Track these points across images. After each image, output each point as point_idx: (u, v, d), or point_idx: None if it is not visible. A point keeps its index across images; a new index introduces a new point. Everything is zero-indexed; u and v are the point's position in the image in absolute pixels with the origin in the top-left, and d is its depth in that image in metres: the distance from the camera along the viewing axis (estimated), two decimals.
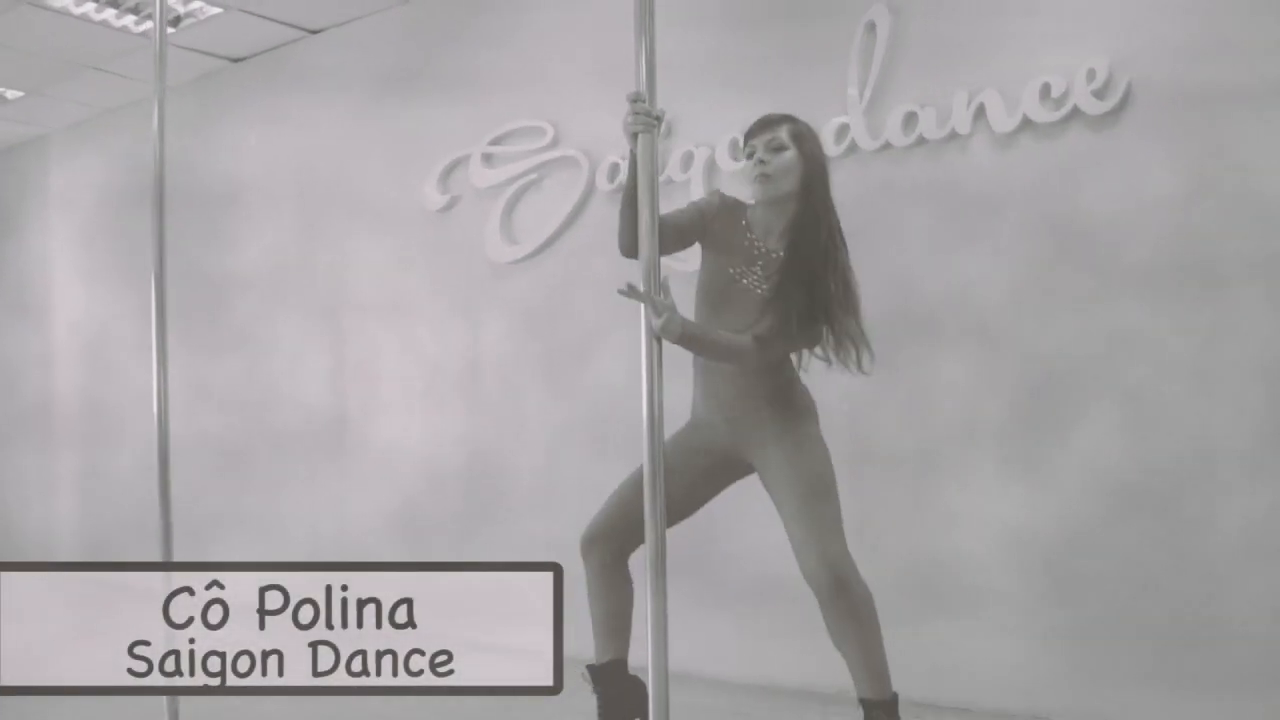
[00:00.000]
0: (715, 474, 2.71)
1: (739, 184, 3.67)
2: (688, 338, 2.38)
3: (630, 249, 2.36)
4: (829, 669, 2.81)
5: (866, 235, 3.56)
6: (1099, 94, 3.14)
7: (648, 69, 2.27)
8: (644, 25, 2.26)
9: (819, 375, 3.64)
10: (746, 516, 3.71)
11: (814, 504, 2.51)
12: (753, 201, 2.55)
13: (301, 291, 5.17)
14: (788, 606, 3.65)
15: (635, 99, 2.25)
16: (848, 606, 2.45)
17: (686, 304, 2.53)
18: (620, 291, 2.29)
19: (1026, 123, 3.26)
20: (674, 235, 2.47)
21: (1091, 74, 3.14)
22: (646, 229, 2.25)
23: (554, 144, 4.25)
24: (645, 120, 2.24)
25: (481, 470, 4.66)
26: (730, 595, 3.89)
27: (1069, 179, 3.29)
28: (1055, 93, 3.19)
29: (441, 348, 4.71)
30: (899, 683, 2.59)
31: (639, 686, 2.52)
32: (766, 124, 2.52)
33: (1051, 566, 3.43)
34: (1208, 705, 3.11)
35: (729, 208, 2.57)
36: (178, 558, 5.11)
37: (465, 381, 4.69)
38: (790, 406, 2.59)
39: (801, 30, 3.67)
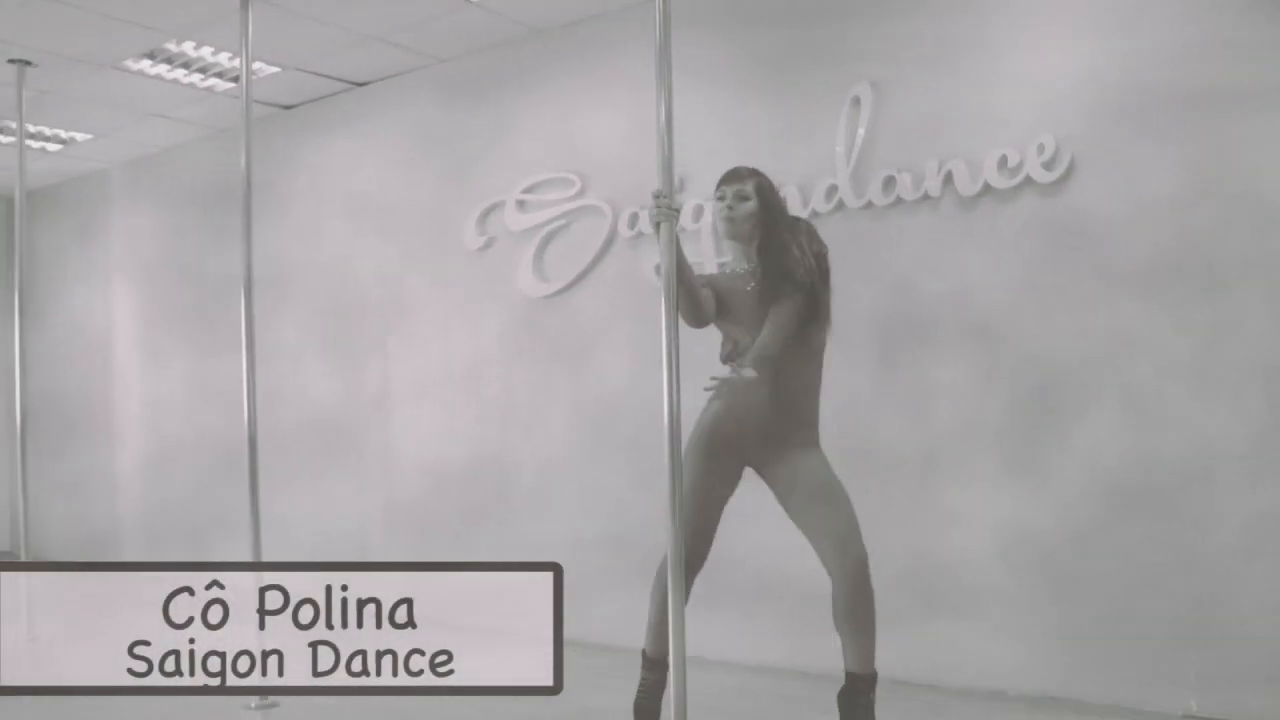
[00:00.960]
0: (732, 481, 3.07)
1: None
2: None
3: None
4: (815, 653, 3.06)
5: (867, 239, 3.87)
6: (1047, 165, 3.65)
7: (667, 134, 2.76)
8: (662, 93, 2.77)
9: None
10: (748, 522, 3.80)
11: (842, 504, 2.94)
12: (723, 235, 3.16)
13: (331, 306, 5.72)
14: (783, 602, 3.95)
15: (658, 195, 2.74)
16: (864, 594, 2.86)
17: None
18: None
19: (987, 188, 3.74)
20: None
21: (1041, 148, 3.65)
22: (671, 304, 2.70)
23: (581, 193, 4.77)
24: (666, 213, 2.75)
25: (481, 470, 5.02)
26: (734, 592, 4.01)
27: (1023, 238, 3.64)
28: (1011, 163, 3.71)
29: (449, 354, 5.17)
30: (898, 682, 2.84)
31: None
32: (735, 177, 3.03)
33: (1051, 566, 3.50)
34: (1208, 704, 3.19)
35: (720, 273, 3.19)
36: (179, 558, 5.57)
37: (466, 382, 5.13)
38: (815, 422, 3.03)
39: (797, 100, 4.15)
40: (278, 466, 5.70)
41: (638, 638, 3.07)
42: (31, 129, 6.16)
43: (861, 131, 4.02)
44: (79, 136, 6.42)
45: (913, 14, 3.93)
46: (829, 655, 2.93)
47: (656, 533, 4.14)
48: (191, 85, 5.55)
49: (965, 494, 3.69)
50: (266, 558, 5.23)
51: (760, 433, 2.95)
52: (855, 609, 2.85)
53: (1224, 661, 3.22)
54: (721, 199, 3.04)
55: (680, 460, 2.66)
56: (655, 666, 3.00)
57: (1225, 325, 3.28)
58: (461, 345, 5.23)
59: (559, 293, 4.84)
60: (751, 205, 3.00)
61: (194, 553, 5.73)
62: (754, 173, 3.05)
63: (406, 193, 5.46)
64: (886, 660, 3.45)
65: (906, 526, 3.80)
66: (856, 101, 4.04)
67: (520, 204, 4.98)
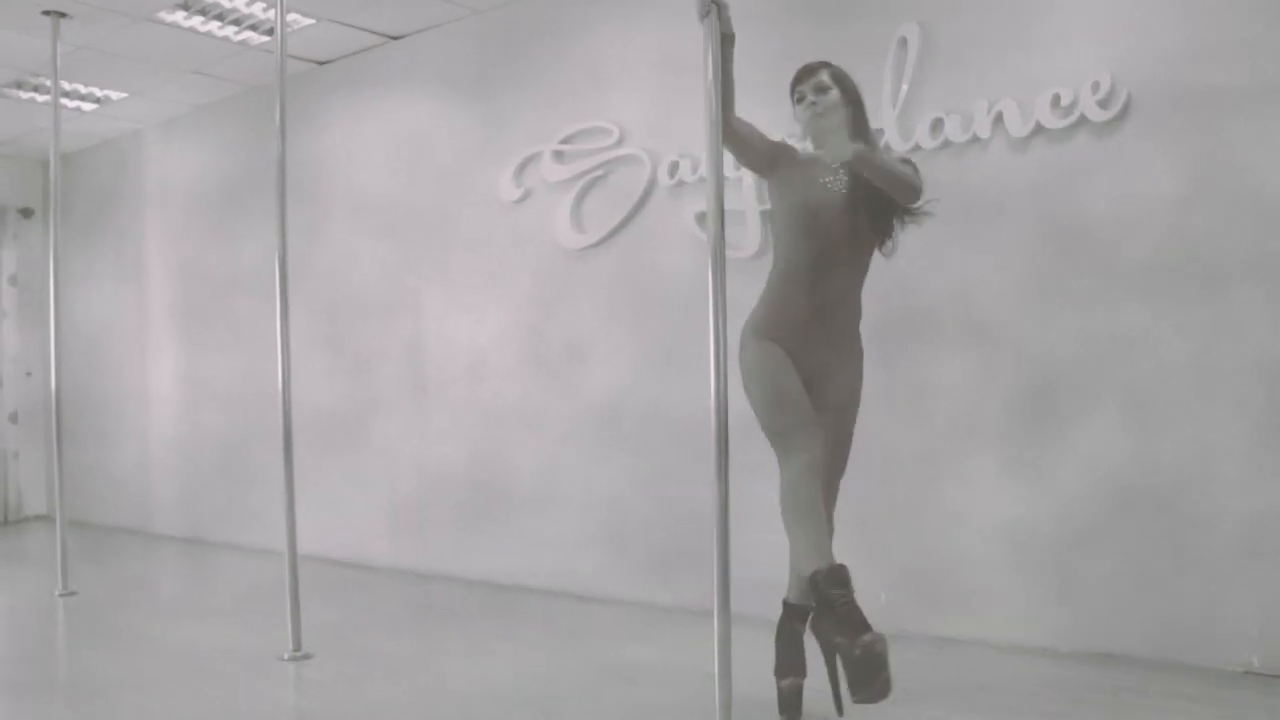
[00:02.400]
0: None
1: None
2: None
3: (731, 143, 2.76)
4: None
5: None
6: (1103, 103, 3.56)
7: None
8: (710, 43, 2.65)
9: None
10: (744, 516, 3.67)
11: (841, 457, 2.94)
12: (807, 140, 2.99)
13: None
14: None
15: None
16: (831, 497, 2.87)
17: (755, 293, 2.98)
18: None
19: (1039, 128, 3.66)
20: (754, 152, 2.88)
21: (1096, 85, 3.56)
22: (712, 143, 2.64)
23: (619, 143, 4.71)
24: (705, 5, 2.59)
25: (481, 470, 5.03)
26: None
27: (1076, 179, 3.56)
28: (1064, 101, 3.62)
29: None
30: (898, 682, 2.56)
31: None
32: (809, 71, 2.91)
33: (1051, 566, 3.50)
34: (1208, 704, 3.07)
35: (789, 150, 2.97)
36: (179, 558, 5.59)
37: (468, 382, 5.12)
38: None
39: (842, 43, 4.07)
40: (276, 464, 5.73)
41: (637, 638, 3.06)
42: (66, 86, 6.15)
43: (908, 73, 3.93)
44: (114, 95, 6.41)
45: None
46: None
47: (655, 532, 4.42)
48: (226, 39, 5.52)
49: (965, 494, 3.67)
50: (266, 558, 5.27)
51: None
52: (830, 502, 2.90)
53: (1224, 662, 3.21)
54: (801, 99, 2.90)
55: (726, 428, 2.61)
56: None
57: (1225, 325, 3.25)
58: (498, 297, 5.19)
59: (598, 244, 4.78)
60: (835, 94, 2.86)
61: (196, 553, 5.74)
62: (825, 63, 2.93)
63: (442, 146, 5.42)
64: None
65: (906, 526, 3.78)
66: (903, 43, 3.95)
67: (557, 155, 4.92)
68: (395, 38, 5.62)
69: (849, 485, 3.60)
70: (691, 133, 4.43)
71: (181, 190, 6.94)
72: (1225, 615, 3.25)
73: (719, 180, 2.67)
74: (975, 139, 3.80)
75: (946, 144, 3.86)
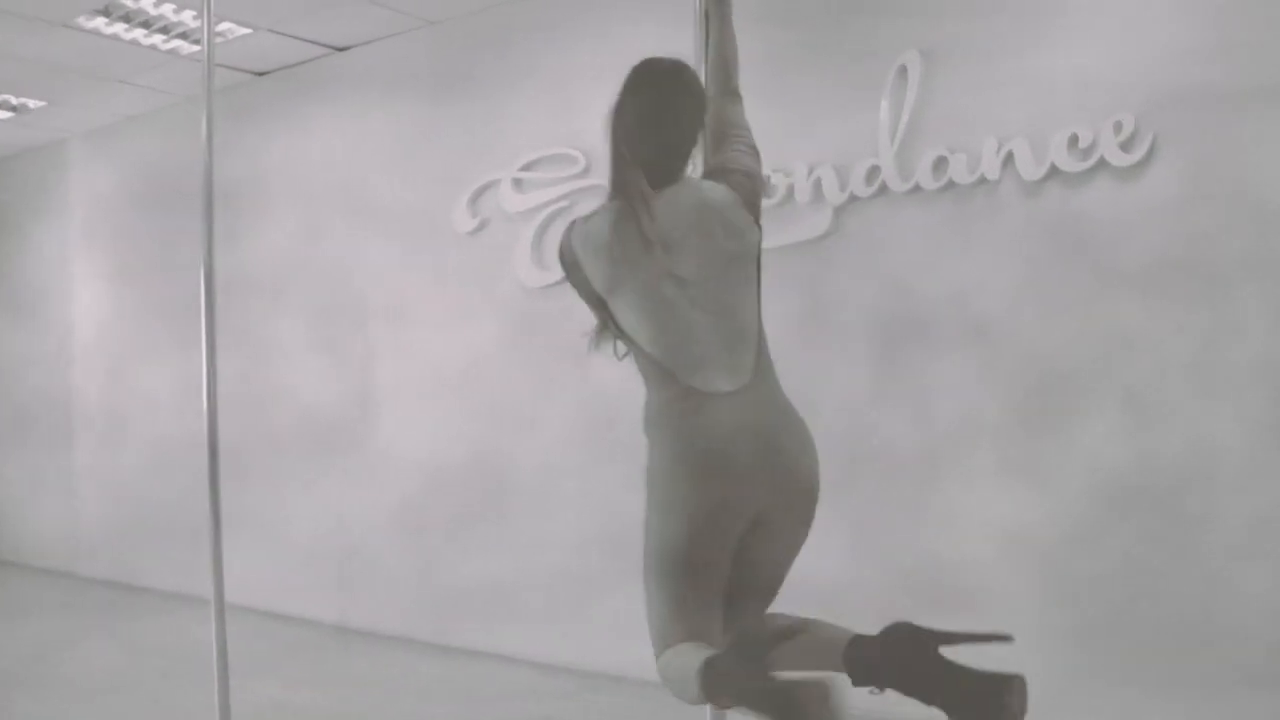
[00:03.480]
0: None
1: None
2: None
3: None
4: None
5: (867, 238, 3.67)
6: (1125, 146, 3.23)
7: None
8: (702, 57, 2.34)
9: (818, 374, 3.75)
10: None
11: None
12: None
13: (310, 294, 5.25)
14: (782, 610, 3.79)
15: None
16: None
17: None
18: None
19: (1054, 170, 3.35)
20: None
21: (1118, 126, 3.23)
22: None
23: (586, 172, 4.32)
24: None
25: (481, 470, 4.69)
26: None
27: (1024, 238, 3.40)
28: (1083, 143, 3.29)
29: (445, 351, 4.77)
30: None
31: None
32: None
33: (1051, 567, 3.45)
34: (1208, 705, 3.12)
35: None
36: (178, 558, 5.19)
37: (466, 382, 4.74)
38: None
39: (835, 70, 3.73)
40: (269, 466, 5.29)
41: (636, 637, 2.69)
42: None
43: (909, 106, 3.58)
44: (31, 103, 5.88)
45: None
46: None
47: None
48: (153, 47, 5.03)
49: (965, 494, 3.60)
50: (266, 557, 5.02)
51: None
52: None
53: (1224, 662, 3.14)
54: None
55: None
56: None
57: (1225, 325, 3.20)
58: (452, 339, 4.77)
59: (561, 282, 4.37)
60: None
61: (194, 553, 5.30)
62: None
63: (390, 170, 4.98)
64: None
65: (906, 526, 3.70)
66: (903, 72, 3.59)
67: (517, 183, 4.51)
68: (340, 49, 5.16)
69: (849, 485, 3.69)
70: None
71: (104, 202, 6.42)
72: (1225, 615, 3.17)
73: None
74: (983, 180, 3.46)
75: (951, 185, 3.52)
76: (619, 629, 3.83)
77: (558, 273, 4.30)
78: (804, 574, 3.60)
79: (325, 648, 4.83)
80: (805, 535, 2.21)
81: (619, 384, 4.16)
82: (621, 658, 3.98)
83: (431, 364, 4.84)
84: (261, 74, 5.50)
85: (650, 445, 2.06)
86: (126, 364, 6.30)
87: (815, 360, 3.77)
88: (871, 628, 2.98)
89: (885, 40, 3.63)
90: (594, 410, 4.32)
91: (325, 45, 5.12)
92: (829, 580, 3.67)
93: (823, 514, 3.74)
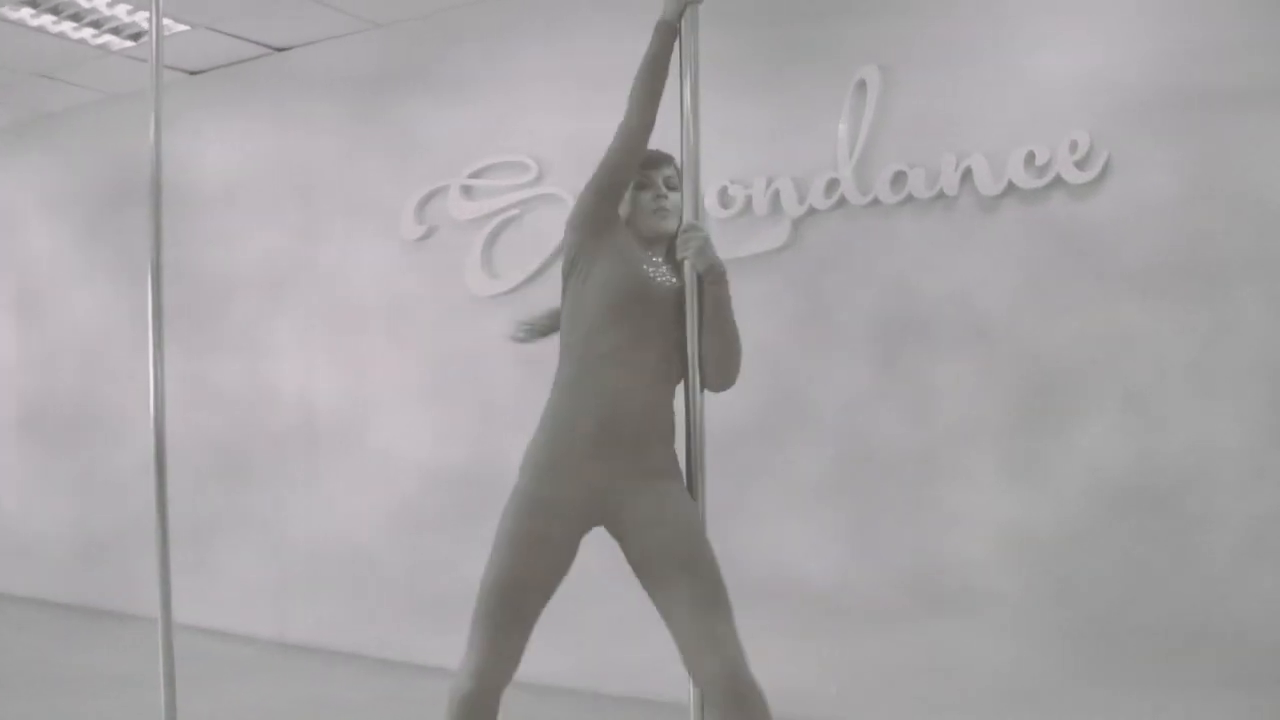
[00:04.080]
0: (573, 544, 2.25)
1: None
2: (719, 275, 2.19)
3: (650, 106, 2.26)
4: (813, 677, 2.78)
5: (866, 237, 3.65)
6: (1080, 164, 3.29)
7: (692, 116, 2.30)
8: (689, 68, 2.31)
9: (817, 375, 3.75)
10: (743, 517, 3.77)
11: (711, 590, 2.12)
12: (647, 232, 2.32)
13: (240, 297, 5.08)
14: (782, 613, 3.69)
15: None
16: (747, 716, 2.05)
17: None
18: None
19: (1011, 187, 3.40)
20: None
21: (1074, 145, 3.29)
22: (690, 152, 2.25)
23: (538, 180, 4.25)
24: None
25: (482, 470, 4.48)
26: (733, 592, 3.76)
27: (1023, 239, 3.42)
28: (1039, 161, 3.34)
29: (437, 351, 4.60)
30: (898, 682, 2.55)
31: None
32: (664, 159, 2.37)
33: (1051, 566, 3.44)
34: (1208, 705, 3.12)
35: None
36: (177, 559, 4.97)
37: (466, 382, 4.58)
38: (672, 456, 2.28)
39: (795, 84, 3.73)
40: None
41: (636, 637, 2.87)
42: None
43: (867, 120, 3.60)
44: None
45: None
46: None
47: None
48: (83, 41, 4.83)
49: (965, 494, 3.59)
50: (266, 558, 4.87)
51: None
52: None
53: (1224, 662, 3.14)
54: (647, 187, 2.32)
55: (702, 465, 2.27)
56: None
57: (1225, 325, 3.22)
58: (399, 347, 4.65)
59: (512, 291, 4.29)
60: (678, 198, 2.33)
61: (194, 553, 5.09)
62: (669, 156, 2.37)
63: (332, 175, 4.85)
64: (886, 660, 3.56)
65: (906, 527, 3.68)
66: (862, 86, 3.62)
67: (466, 190, 4.42)
68: (280, 49, 5.02)
69: (849, 485, 3.72)
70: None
71: (26, 199, 6.14)
72: (1225, 615, 3.18)
73: (697, 194, 2.30)
74: (942, 195, 3.50)
75: (909, 199, 3.54)
76: (620, 632, 3.75)
77: (509, 281, 4.29)
78: (804, 574, 3.77)
79: (281, 666, 4.65)
80: None
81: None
82: (622, 662, 3.95)
83: (379, 372, 4.72)
84: (195, 73, 5.32)
85: None
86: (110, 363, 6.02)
87: (814, 361, 3.78)
88: (871, 627, 2.98)
89: (844, 56, 3.64)
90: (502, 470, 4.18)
91: (265, 45, 4.97)
92: (829, 580, 3.74)
93: (822, 514, 3.71)
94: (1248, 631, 3.14)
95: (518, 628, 2.20)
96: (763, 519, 3.83)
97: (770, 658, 3.31)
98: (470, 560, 4.24)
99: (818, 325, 3.78)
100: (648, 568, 2.16)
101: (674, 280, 2.28)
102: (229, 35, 4.83)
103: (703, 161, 2.33)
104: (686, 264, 2.24)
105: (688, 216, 2.27)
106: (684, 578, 2.11)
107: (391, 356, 4.67)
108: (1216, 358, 3.22)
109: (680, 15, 2.26)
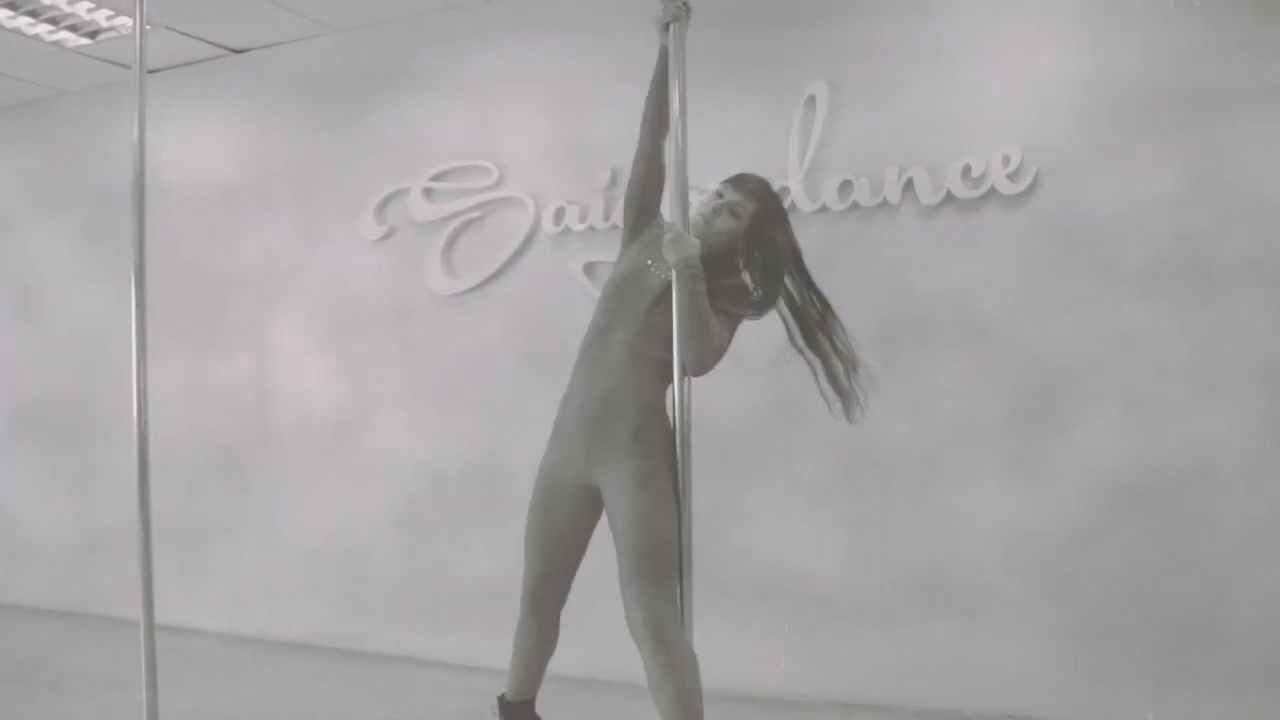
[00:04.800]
0: (578, 500, 2.57)
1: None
2: (690, 268, 2.38)
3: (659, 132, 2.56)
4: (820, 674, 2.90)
5: (866, 237, 3.74)
6: (1012, 177, 3.56)
7: (680, 124, 2.54)
8: (678, 70, 2.57)
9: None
10: (743, 517, 3.87)
11: (642, 558, 2.39)
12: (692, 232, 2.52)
13: (196, 298, 5.12)
14: (782, 613, 3.78)
15: None
16: (668, 661, 2.35)
17: None
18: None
19: (950, 197, 3.64)
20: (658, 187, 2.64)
21: (1006, 159, 3.56)
22: (679, 156, 2.47)
23: (499, 184, 4.39)
24: (675, 9, 2.49)
25: (481, 470, 4.54)
26: (726, 598, 3.82)
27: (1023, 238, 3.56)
28: (975, 173, 3.60)
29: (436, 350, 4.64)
30: (898, 682, 2.69)
31: None
32: (744, 181, 2.64)
33: (1052, 566, 3.47)
34: (1208, 705, 3.18)
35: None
36: (177, 559, 4.89)
37: (465, 382, 4.62)
38: (659, 430, 2.51)
39: (749, 98, 3.93)
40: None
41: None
42: None
43: (816, 133, 3.83)
44: None
45: (870, 14, 3.79)
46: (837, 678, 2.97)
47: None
48: (37, 38, 4.84)
49: (965, 494, 3.63)
50: (266, 558, 4.80)
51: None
52: (665, 680, 2.35)
53: (1224, 662, 3.20)
54: (720, 195, 2.61)
55: (689, 454, 2.50)
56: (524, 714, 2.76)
57: (1225, 325, 3.28)
58: (357, 345, 4.74)
59: (472, 290, 4.43)
60: (735, 226, 2.56)
61: (194, 554, 5.05)
62: (762, 192, 2.61)
63: (290, 175, 4.93)
64: (887, 660, 3.58)
65: (906, 527, 3.72)
66: (812, 101, 3.85)
67: (427, 193, 4.55)
68: (237, 51, 5.08)
69: (849, 484, 3.76)
70: (582, 176, 4.19)
71: None
72: (1226, 615, 3.22)
73: (685, 196, 2.50)
74: (885, 204, 3.74)
75: (855, 207, 3.78)
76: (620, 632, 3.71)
77: (470, 281, 4.42)
78: (804, 573, 3.82)
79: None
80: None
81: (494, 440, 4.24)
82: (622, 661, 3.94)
83: (342, 369, 4.80)
84: (151, 71, 5.33)
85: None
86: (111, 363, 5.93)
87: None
88: (871, 627, 3.00)
89: (795, 72, 3.86)
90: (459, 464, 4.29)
91: (222, 46, 5.03)
92: (829, 580, 3.79)
93: (823, 514, 3.76)
94: (1248, 631, 3.17)
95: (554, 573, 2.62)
96: (763, 519, 3.88)
97: (770, 658, 3.36)
98: (470, 561, 4.32)
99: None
100: (612, 530, 2.49)
101: (666, 274, 2.48)
102: (187, 36, 4.88)
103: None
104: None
105: (675, 217, 2.47)
106: (622, 542, 2.44)
107: (354, 351, 4.76)
108: (1216, 358, 3.27)
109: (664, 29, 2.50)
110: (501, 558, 3.96)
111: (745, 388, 3.84)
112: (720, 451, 3.79)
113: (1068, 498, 3.49)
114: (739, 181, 2.64)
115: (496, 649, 3.18)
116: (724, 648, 3.81)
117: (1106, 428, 3.44)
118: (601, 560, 2.62)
